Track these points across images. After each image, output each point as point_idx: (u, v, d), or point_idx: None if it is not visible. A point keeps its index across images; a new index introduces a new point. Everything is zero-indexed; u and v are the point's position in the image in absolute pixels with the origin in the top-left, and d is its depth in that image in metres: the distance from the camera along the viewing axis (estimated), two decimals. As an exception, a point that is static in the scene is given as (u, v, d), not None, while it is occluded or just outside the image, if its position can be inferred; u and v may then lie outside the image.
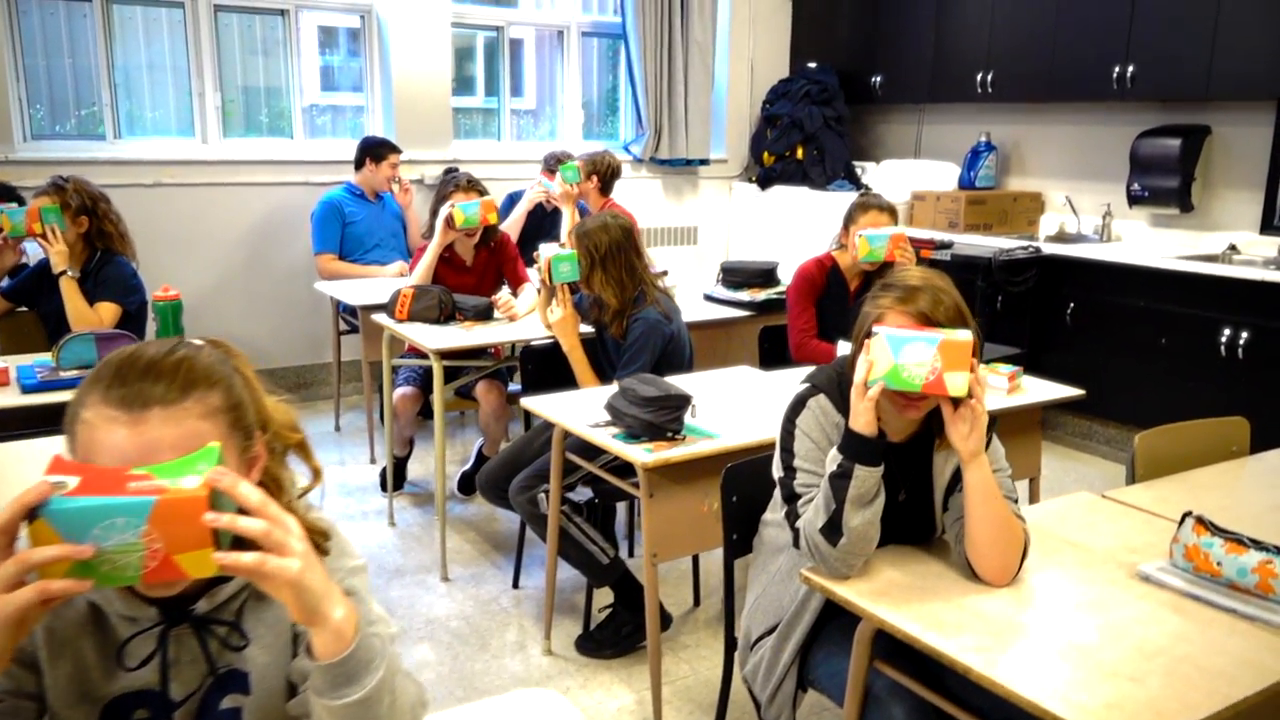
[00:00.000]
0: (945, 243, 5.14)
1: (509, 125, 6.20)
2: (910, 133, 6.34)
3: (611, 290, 3.06)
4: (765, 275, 3.99)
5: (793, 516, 1.84)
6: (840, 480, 1.72)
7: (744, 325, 3.89)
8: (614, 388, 2.57)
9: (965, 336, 1.66)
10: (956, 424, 1.71)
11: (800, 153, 6.23)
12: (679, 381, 2.79)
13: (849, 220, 3.43)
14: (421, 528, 3.83)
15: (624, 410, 2.43)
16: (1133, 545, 1.90)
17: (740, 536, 2.14)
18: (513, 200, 5.25)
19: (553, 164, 5.07)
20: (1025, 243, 5.06)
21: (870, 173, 6.35)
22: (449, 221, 3.71)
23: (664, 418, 2.38)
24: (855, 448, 1.72)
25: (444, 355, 3.30)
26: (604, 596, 3.02)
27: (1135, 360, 4.60)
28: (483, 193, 3.84)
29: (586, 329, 3.24)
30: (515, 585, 3.38)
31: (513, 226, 5.22)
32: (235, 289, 5.25)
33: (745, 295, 3.92)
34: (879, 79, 6.10)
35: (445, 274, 3.90)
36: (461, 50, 6.27)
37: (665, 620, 3.04)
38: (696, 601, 3.28)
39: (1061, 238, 5.40)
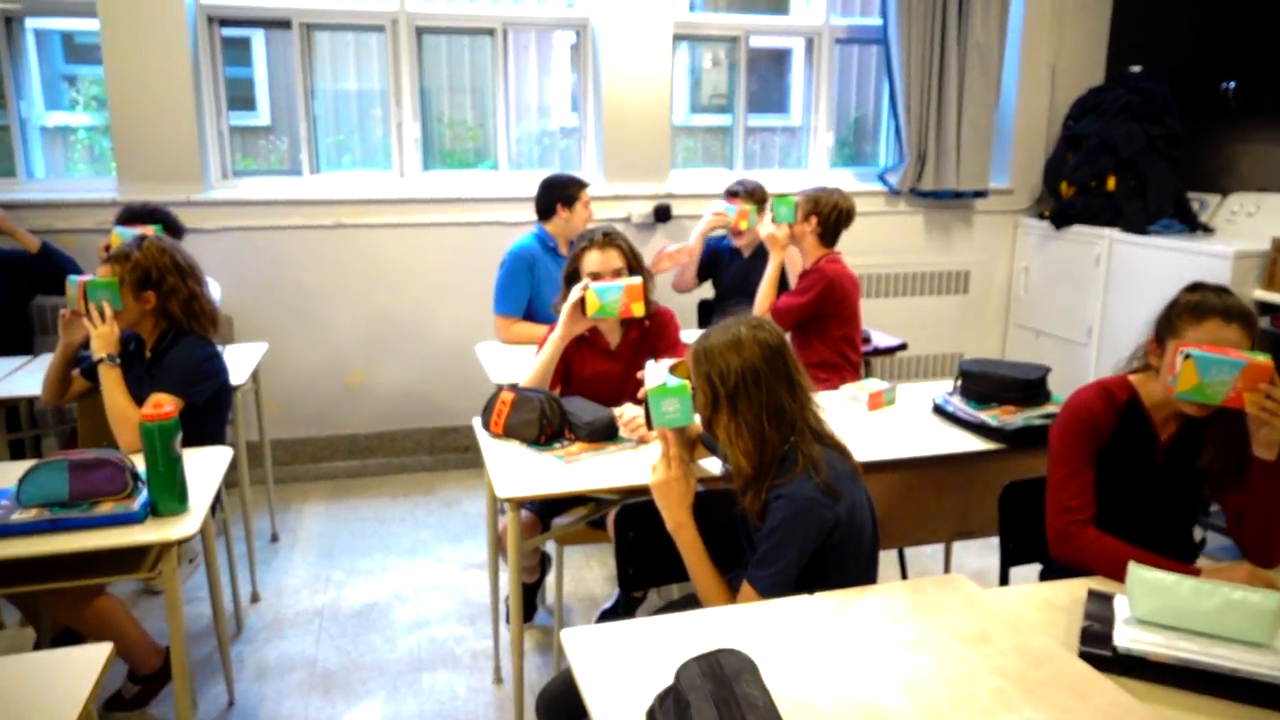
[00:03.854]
0: (1327, 321, 3.38)
1: (742, 150, 5.04)
2: (1275, 156, 4.47)
3: (744, 444, 1.86)
4: (1026, 388, 2.57)
5: None
6: None
7: (988, 466, 2.51)
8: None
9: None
10: None
11: (1112, 183, 4.57)
12: (840, 596, 1.58)
13: (1166, 327, 1.97)
14: (534, 687, 2.82)
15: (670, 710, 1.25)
16: None
17: None
18: (713, 250, 4.12)
19: (737, 189, 3.97)
20: None
21: (1211, 209, 4.56)
22: (580, 306, 2.65)
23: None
24: None
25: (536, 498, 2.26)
26: None
27: None
28: (628, 257, 2.74)
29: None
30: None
31: (686, 275, 4.09)
32: (412, 337, 4.52)
33: (991, 417, 2.53)
34: (1233, 85, 4.31)
35: (582, 361, 2.86)
36: (736, 65, 5.21)
37: None
38: None
39: None
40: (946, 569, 3.17)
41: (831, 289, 3.31)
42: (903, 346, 3.77)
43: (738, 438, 1.86)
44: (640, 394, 2.07)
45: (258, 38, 5.65)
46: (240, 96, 5.44)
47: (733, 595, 1.91)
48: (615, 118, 4.57)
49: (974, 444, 2.51)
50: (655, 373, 1.98)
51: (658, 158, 4.66)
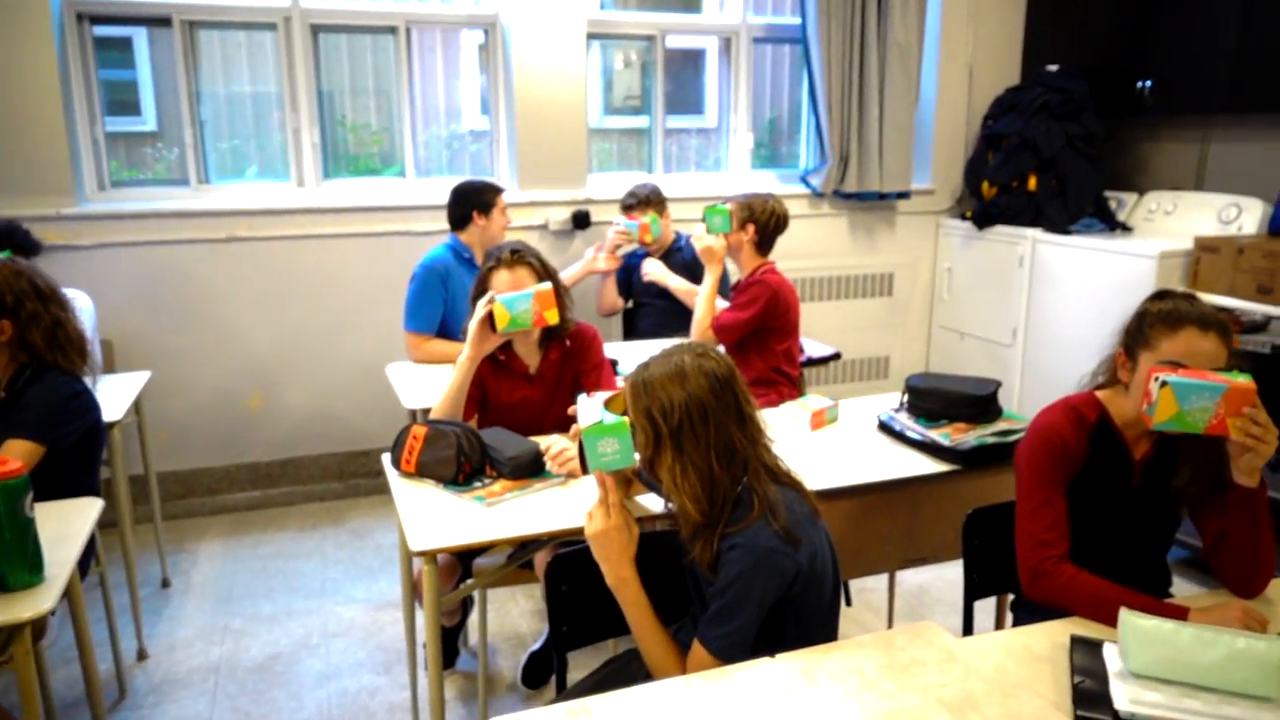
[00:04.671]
0: (1258, 320, 3.32)
1: (661, 153, 4.82)
2: (1189, 154, 4.45)
3: (691, 488, 1.62)
4: (977, 405, 2.40)
5: None
6: None
7: (939, 488, 2.33)
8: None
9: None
10: None
11: (1033, 182, 4.49)
12: (805, 659, 1.36)
13: (1137, 339, 1.79)
14: (459, 745, 2.54)
15: None
16: None
17: None
18: (625, 266, 3.96)
19: (631, 202, 3.88)
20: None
21: (1128, 208, 4.52)
22: (488, 322, 2.40)
23: None
24: None
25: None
26: None
27: None
28: (541, 275, 2.49)
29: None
30: None
31: (602, 295, 3.97)
32: (317, 357, 4.17)
33: (942, 435, 2.35)
34: (1149, 83, 4.26)
35: (498, 387, 2.59)
36: (646, 66, 4.97)
37: None
38: None
39: None
40: (891, 590, 3.00)
41: (776, 301, 3.10)
42: (836, 356, 3.60)
43: (684, 480, 1.62)
44: (572, 432, 1.82)
45: (140, 37, 5.20)
46: (124, 101, 4.99)
47: (682, 657, 1.68)
48: (529, 120, 4.30)
49: (926, 465, 2.33)
50: (589, 409, 1.73)
51: (574, 161, 4.41)
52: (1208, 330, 1.71)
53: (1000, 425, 2.37)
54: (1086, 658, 1.54)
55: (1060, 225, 4.35)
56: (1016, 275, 4.49)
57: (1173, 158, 4.53)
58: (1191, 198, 4.28)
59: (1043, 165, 4.44)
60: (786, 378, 3.13)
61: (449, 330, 3.48)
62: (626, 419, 1.68)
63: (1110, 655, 1.53)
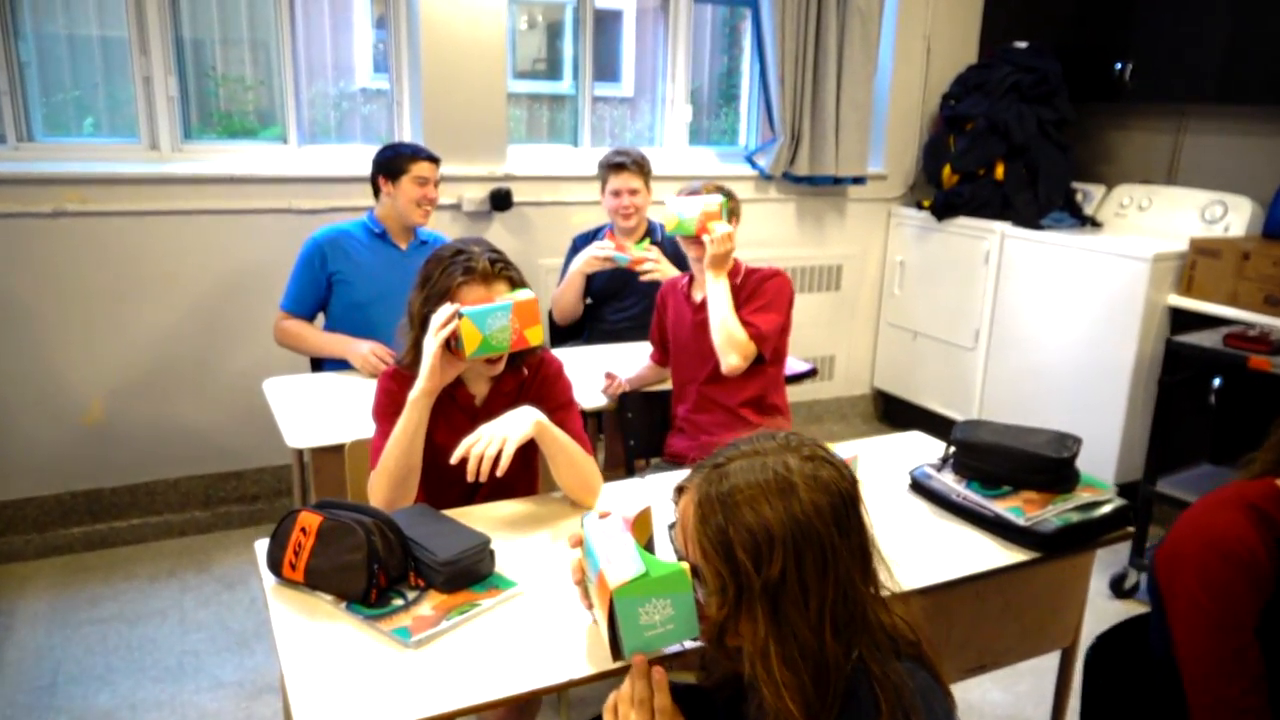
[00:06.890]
0: (1276, 338, 2.87)
1: (589, 123, 4.10)
2: (1162, 145, 4.02)
3: (790, 675, 0.97)
4: (1055, 470, 1.81)
5: None
6: None
7: (1011, 577, 1.75)
8: None
9: None
10: None
11: (1001, 170, 3.98)
12: None
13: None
14: None
15: None
16: None
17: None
18: (580, 246, 3.22)
19: (623, 161, 3.06)
20: None
21: (1095, 201, 4.07)
22: (451, 346, 1.69)
23: None
24: None
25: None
26: None
27: None
28: (514, 282, 1.79)
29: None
30: None
31: (566, 303, 3.16)
32: (176, 362, 3.31)
33: (1011, 510, 1.76)
34: (1129, 66, 3.79)
35: (431, 421, 1.86)
36: (554, 25, 4.22)
37: None
38: None
39: None
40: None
41: (793, 299, 2.39)
42: (813, 372, 2.99)
43: (780, 663, 0.97)
44: (575, 567, 1.14)
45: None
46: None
47: None
48: (438, 80, 3.51)
49: (989, 548, 1.73)
50: (615, 548, 1.04)
51: (491, 131, 3.65)
52: None
53: (1084, 496, 1.79)
54: None
55: (1031, 219, 3.85)
56: (981, 272, 3.98)
57: (1144, 148, 4.09)
58: (1167, 192, 3.85)
59: (1013, 152, 3.94)
60: (779, 407, 2.46)
61: (340, 319, 2.79)
62: (685, 565, 1.01)
63: None
